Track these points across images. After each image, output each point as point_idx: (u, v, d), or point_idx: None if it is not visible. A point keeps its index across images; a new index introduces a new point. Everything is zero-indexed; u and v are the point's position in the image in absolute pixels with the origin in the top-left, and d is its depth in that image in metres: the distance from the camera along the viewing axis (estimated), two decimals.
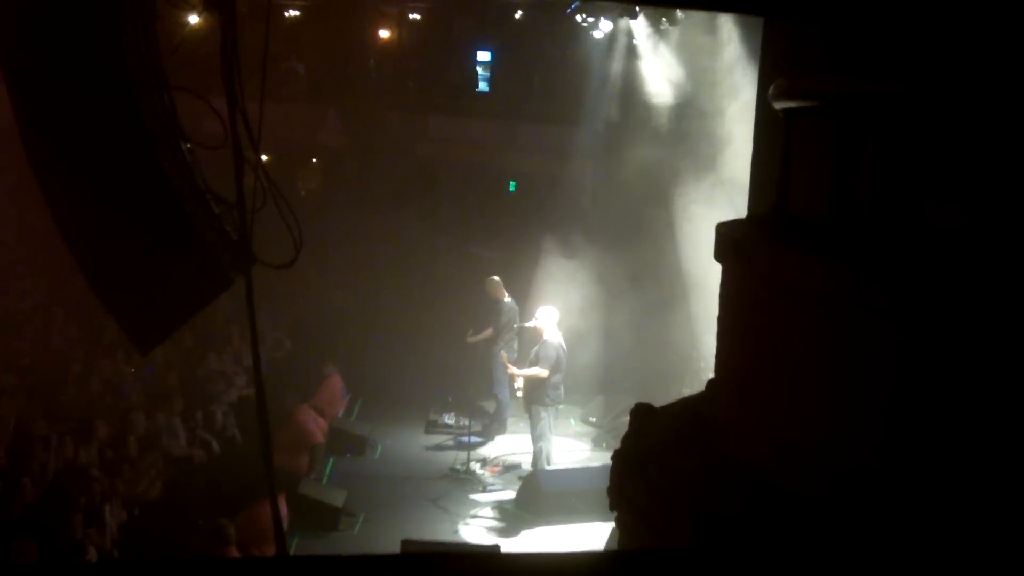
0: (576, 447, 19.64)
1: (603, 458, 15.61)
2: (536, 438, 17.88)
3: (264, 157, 6.58)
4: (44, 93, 5.76)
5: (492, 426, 20.36)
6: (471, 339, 20.37)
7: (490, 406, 20.68)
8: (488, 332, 20.25)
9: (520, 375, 18.32)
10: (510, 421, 20.29)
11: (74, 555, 11.36)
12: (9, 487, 12.46)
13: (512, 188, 25.94)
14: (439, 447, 19.60)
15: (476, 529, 16.35)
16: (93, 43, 5.64)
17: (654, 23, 21.65)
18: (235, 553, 12.12)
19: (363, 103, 25.19)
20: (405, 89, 26.09)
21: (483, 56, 26.59)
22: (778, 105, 6.43)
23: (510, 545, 15.40)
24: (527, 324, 18.92)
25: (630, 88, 22.23)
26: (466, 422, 19.28)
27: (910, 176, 5.68)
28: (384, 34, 25.66)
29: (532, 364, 18.00)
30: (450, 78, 26.23)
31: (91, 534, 11.95)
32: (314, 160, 26.64)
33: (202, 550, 12.43)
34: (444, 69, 26.01)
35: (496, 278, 20.47)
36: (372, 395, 22.17)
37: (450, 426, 20.32)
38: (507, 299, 20.35)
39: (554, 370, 17.73)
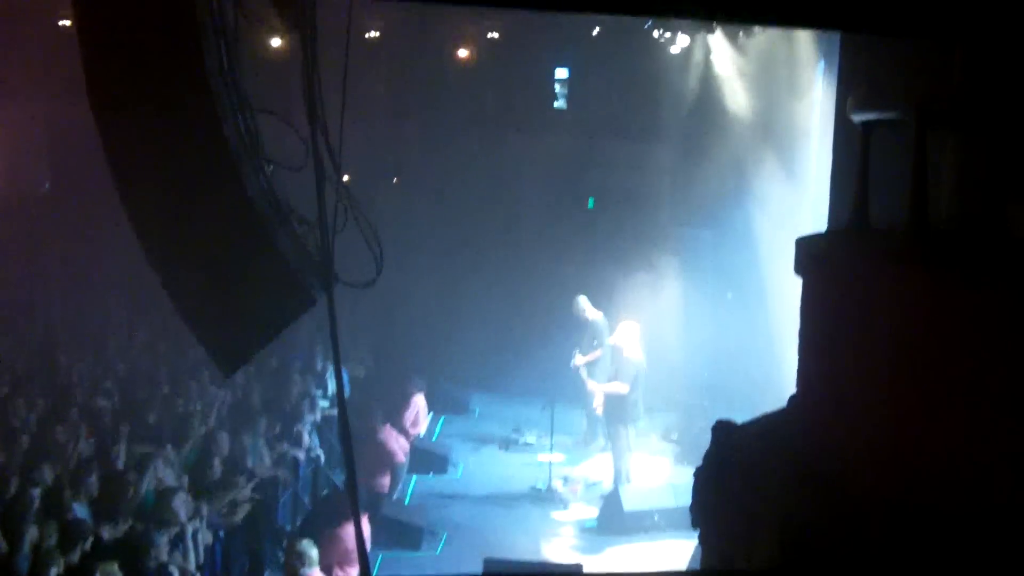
0: (657, 464, 19.56)
1: (685, 475, 15.54)
2: (616, 456, 17.84)
3: (344, 177, 6.64)
4: (127, 114, 5.84)
5: (579, 443, 20.33)
6: (577, 362, 19.99)
7: (577, 423, 20.64)
8: (598, 353, 19.86)
9: (600, 391, 18.30)
10: (591, 439, 20.24)
11: None
12: (99, 511, 12.60)
13: (591, 205, 25.91)
14: (520, 466, 19.60)
15: (558, 548, 16.33)
16: (175, 65, 5.72)
17: (732, 37, 21.58)
18: (319, 575, 12.18)
19: (441, 120, 25.32)
20: (483, 107, 26.18)
21: (561, 73, 26.63)
22: (856, 117, 6.40)
23: (592, 564, 15.35)
24: (607, 341, 18.90)
25: (708, 102, 22.16)
26: (547, 440, 19.27)
27: (990, 185, 5.63)
28: (462, 53, 25.79)
29: (611, 380, 17.98)
30: (528, 95, 26.26)
31: (176, 557, 12.05)
32: (395, 179, 26.79)
33: (287, 572, 12.50)
34: (522, 87, 26.05)
35: (583, 297, 20.42)
36: (454, 414, 22.30)
37: (531, 445, 20.34)
38: (599, 318, 20.03)
39: (633, 387, 17.69)
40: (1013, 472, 4.99)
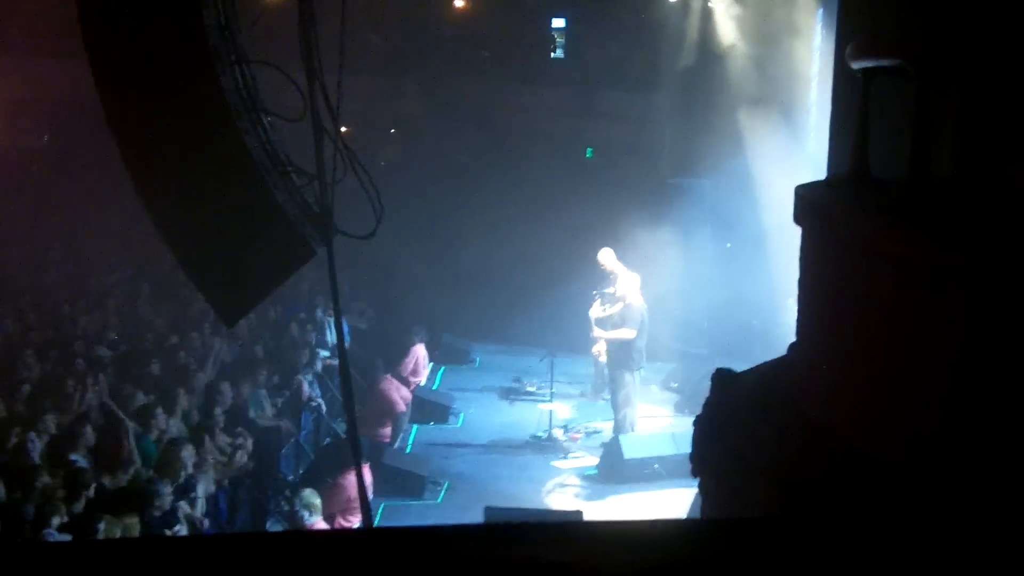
0: (658, 413, 19.60)
1: (685, 424, 15.59)
2: (620, 404, 17.79)
3: (343, 128, 6.64)
4: (126, 69, 5.83)
5: (586, 393, 20.27)
6: (594, 314, 19.14)
7: (578, 372, 20.59)
8: (619, 306, 19.39)
9: (607, 337, 18.16)
10: (599, 389, 20.20)
11: (164, 527, 11.52)
12: (98, 461, 12.64)
13: (589, 155, 25.83)
14: (521, 415, 19.63)
15: (559, 496, 16.40)
16: (174, 18, 5.71)
17: None
18: (321, 523, 12.26)
19: (440, 72, 25.23)
20: (481, 58, 26.08)
21: (558, 23, 26.50)
22: (856, 65, 6.36)
23: (593, 512, 15.42)
24: (607, 290, 18.77)
25: (706, 50, 22.08)
26: (548, 389, 19.29)
27: (993, 137, 5.61)
28: (459, 3, 25.68)
29: (616, 327, 17.90)
30: (525, 46, 26.15)
31: (181, 506, 12.11)
32: (392, 131, 26.73)
33: (290, 521, 12.58)
34: (519, 37, 25.94)
35: (608, 249, 19.08)
36: (455, 364, 22.33)
37: (532, 393, 20.36)
38: (622, 271, 19.24)
39: (639, 333, 17.65)
40: (997, 441, 5.00)
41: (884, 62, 6.14)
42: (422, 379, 20.19)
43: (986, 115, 5.62)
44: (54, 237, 23.65)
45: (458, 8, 25.72)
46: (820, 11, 18.53)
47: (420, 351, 20.14)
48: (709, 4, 22.11)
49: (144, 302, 20.22)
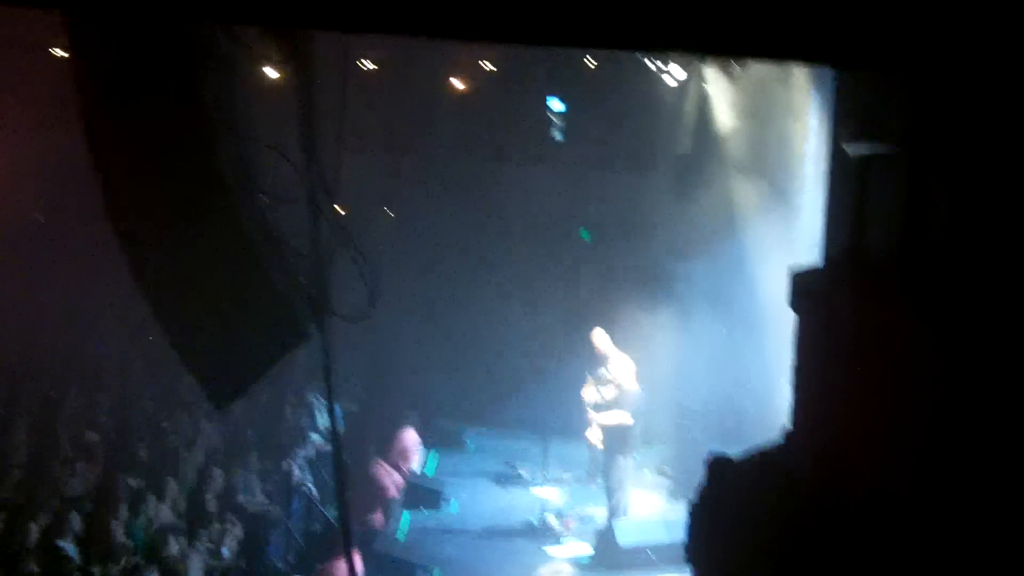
0: (651, 498, 19.46)
1: (679, 509, 15.49)
2: (614, 489, 17.68)
3: (338, 207, 6.63)
4: (122, 142, 5.82)
5: (582, 479, 20.10)
6: (594, 395, 18.66)
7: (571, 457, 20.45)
8: (613, 388, 18.91)
9: (602, 422, 18.01)
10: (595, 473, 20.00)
11: None
12: (90, 547, 12.53)
13: (584, 235, 25.86)
14: (514, 500, 19.49)
15: None
16: (173, 94, 5.71)
17: (726, 67, 21.60)
18: None
19: (437, 152, 25.33)
20: (477, 138, 26.18)
21: (556, 105, 26.61)
22: (851, 149, 6.40)
23: None
24: (600, 372, 18.63)
25: (702, 131, 22.17)
26: (541, 474, 19.16)
27: (987, 215, 5.62)
28: (457, 84, 25.79)
29: (610, 410, 17.79)
30: (522, 126, 26.25)
31: None
32: (386, 209, 26.76)
33: None
34: (516, 118, 26.04)
35: (600, 329, 18.94)
36: (447, 447, 22.20)
37: (524, 478, 20.22)
38: (613, 352, 19.18)
39: (633, 418, 17.58)
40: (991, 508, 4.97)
41: (877, 147, 6.18)
42: (414, 462, 20.04)
43: (979, 194, 5.64)
44: (46, 312, 23.58)
45: (455, 87, 25.85)
46: (815, 93, 18.61)
47: (412, 435, 20.01)
48: (705, 86, 22.21)
49: (134, 382, 20.14)
